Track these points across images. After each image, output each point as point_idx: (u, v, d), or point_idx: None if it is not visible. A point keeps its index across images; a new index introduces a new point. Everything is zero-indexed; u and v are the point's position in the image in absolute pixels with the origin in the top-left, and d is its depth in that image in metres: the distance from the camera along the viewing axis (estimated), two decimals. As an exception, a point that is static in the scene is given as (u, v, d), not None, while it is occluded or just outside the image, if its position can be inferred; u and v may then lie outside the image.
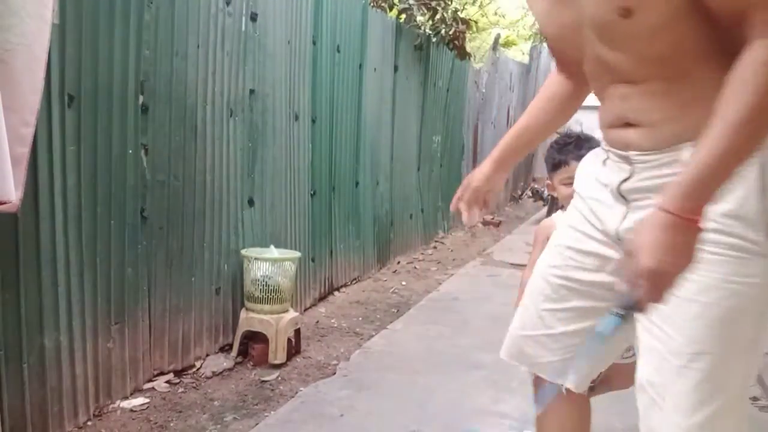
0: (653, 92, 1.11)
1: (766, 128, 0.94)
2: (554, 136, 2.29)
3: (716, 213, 1.03)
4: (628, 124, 1.17)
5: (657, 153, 1.13)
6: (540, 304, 1.41)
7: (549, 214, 6.15)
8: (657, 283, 0.97)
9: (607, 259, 1.29)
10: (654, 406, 1.11)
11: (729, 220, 1.03)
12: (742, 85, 0.93)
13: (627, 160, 1.19)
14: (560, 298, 1.38)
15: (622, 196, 1.21)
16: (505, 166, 1.56)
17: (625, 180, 1.18)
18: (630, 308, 1.03)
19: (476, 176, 1.56)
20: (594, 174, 1.32)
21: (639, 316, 1.11)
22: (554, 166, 2.05)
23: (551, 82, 1.50)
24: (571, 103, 1.49)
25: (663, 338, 1.09)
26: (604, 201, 1.26)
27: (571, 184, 2.00)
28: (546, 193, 7.49)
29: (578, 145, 2.01)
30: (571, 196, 1.98)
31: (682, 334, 1.06)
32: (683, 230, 0.95)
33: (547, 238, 2.10)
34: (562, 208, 2.19)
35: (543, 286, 1.42)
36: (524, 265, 2.24)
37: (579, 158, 1.99)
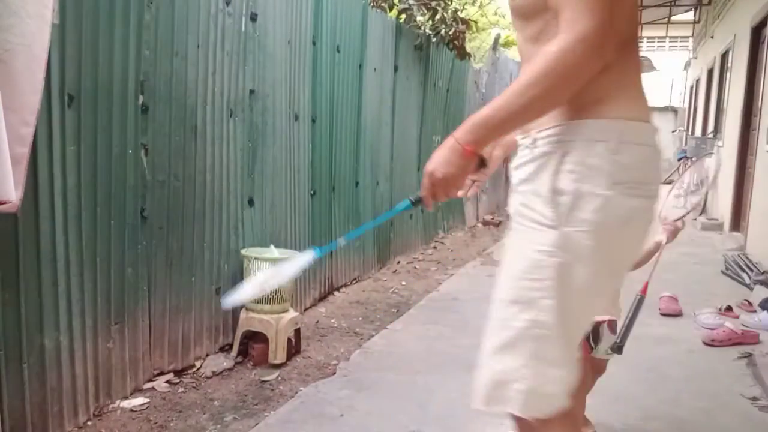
0: None
1: (539, 100, 1.13)
2: None
3: (527, 191, 1.26)
4: None
5: (525, 137, 1.30)
6: None
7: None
8: (432, 185, 1.25)
9: None
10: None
11: (532, 197, 1.24)
12: (532, 64, 1.13)
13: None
14: None
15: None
16: (501, 146, 1.63)
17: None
18: (418, 200, 1.31)
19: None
20: None
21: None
22: None
23: None
24: None
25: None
26: None
27: None
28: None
29: None
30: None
31: (497, 284, 1.32)
32: (458, 152, 1.20)
33: None
34: None
35: None
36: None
37: None
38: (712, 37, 9.92)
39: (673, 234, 2.12)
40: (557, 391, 1.25)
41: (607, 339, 1.98)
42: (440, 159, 1.22)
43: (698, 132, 11.03)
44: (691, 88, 13.78)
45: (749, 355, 3.19)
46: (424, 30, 5.63)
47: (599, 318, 1.94)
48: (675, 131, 13.93)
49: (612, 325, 1.97)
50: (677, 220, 2.15)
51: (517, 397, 1.25)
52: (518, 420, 1.34)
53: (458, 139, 1.20)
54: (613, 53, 1.12)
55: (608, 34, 1.10)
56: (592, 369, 2.05)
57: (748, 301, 4.08)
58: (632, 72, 1.24)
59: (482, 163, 1.27)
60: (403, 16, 5.43)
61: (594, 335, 1.96)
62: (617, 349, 1.97)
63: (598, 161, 1.17)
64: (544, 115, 1.18)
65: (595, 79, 1.13)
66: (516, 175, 1.31)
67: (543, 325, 1.23)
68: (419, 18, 5.54)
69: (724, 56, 8.59)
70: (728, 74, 8.03)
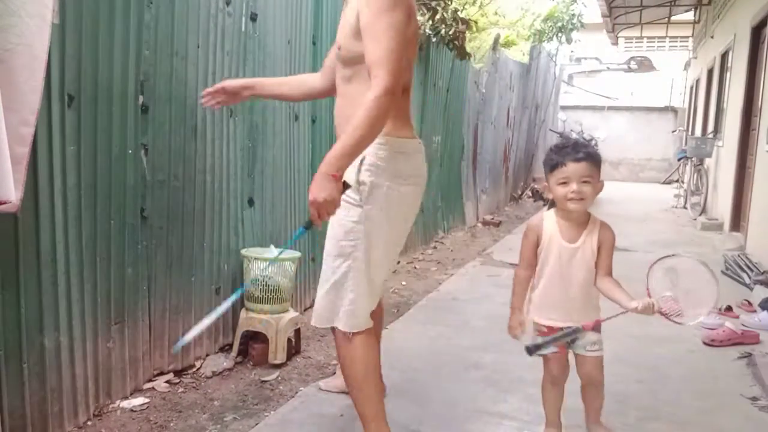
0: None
1: (367, 137, 1.76)
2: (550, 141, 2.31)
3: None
4: None
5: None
6: None
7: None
8: (318, 208, 1.74)
9: None
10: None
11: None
12: (360, 110, 1.74)
13: None
14: None
15: None
16: (252, 89, 2.41)
17: None
18: (309, 224, 1.79)
19: (230, 81, 2.43)
20: None
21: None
22: (552, 167, 2.08)
23: (315, 75, 2.41)
24: (317, 94, 2.43)
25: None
26: None
27: (566, 183, 2.03)
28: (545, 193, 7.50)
29: (575, 148, 2.06)
30: (566, 197, 2.02)
31: (326, 245, 2.03)
32: (326, 179, 1.73)
33: (537, 236, 2.13)
34: (552, 204, 2.20)
35: None
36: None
37: (576, 160, 2.02)
38: (712, 37, 9.92)
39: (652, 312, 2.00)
40: (365, 312, 1.97)
41: (582, 336, 2.11)
42: (318, 188, 1.73)
43: (698, 132, 11.03)
44: (691, 88, 13.78)
45: (749, 355, 3.20)
46: (424, 30, 5.62)
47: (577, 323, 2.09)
48: (675, 131, 13.92)
49: (587, 326, 2.07)
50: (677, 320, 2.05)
51: (343, 317, 1.96)
52: (336, 335, 2.01)
53: (327, 171, 1.73)
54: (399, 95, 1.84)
55: (398, 86, 1.80)
56: (579, 366, 2.17)
57: (748, 301, 4.09)
58: (404, 106, 2.00)
59: (345, 185, 1.78)
60: (403, 16, 5.42)
61: (571, 335, 2.09)
62: (532, 349, 2.05)
63: (382, 163, 1.91)
64: (375, 138, 1.80)
65: None
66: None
67: (357, 270, 1.93)
68: (419, 18, 5.53)
69: (724, 56, 8.59)
70: (728, 74, 8.03)
